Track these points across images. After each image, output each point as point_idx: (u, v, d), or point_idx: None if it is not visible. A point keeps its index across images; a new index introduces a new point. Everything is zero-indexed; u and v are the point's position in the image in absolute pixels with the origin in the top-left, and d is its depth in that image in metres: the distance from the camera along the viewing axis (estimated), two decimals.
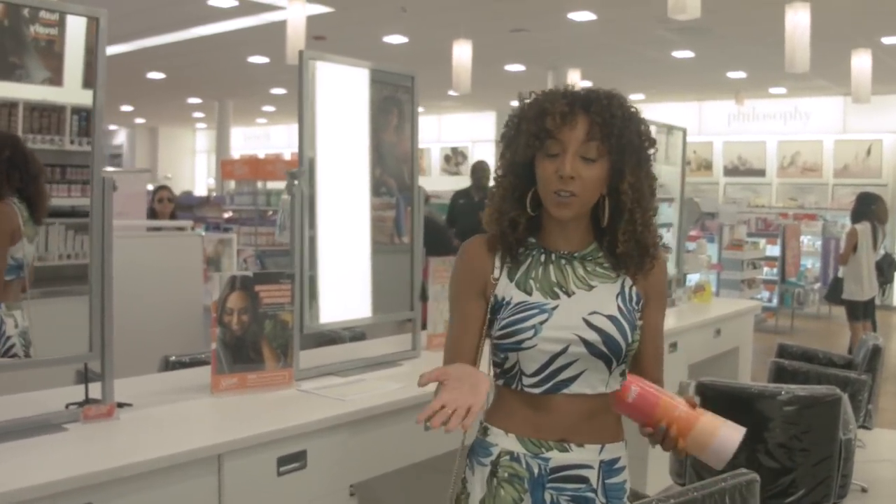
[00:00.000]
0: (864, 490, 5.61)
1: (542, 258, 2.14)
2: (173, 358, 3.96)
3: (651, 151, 2.12)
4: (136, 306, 5.30)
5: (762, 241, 13.09)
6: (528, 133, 2.05)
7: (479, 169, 9.45)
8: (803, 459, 3.67)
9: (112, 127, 28.39)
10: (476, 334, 2.15)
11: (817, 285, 14.13)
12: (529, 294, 2.10)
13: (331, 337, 4.53)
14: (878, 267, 9.51)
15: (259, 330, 3.16)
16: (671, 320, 5.53)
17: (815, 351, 5.73)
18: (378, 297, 3.90)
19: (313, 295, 3.67)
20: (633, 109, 2.10)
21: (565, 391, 2.06)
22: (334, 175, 3.68)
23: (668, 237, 6.58)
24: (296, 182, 3.29)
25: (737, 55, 12.93)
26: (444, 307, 3.88)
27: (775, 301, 13.21)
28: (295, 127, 3.55)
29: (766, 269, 13.10)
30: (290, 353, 3.24)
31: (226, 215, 12.56)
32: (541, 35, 11.31)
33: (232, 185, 12.31)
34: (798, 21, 7.90)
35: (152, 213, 9.47)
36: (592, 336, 2.05)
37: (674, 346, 5.14)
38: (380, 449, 3.09)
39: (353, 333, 4.60)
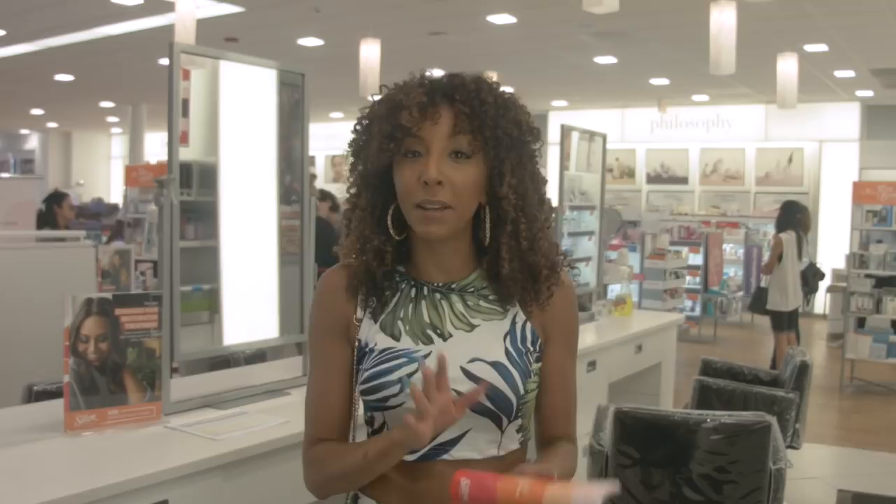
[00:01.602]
0: None
1: (413, 293, 1.74)
2: (38, 387, 3.54)
3: (536, 146, 1.72)
4: (17, 326, 4.89)
5: (685, 250, 12.96)
6: (381, 134, 1.65)
7: None
8: (731, 491, 3.38)
9: (23, 131, 27.50)
10: (344, 387, 1.75)
11: (740, 294, 14.07)
12: (397, 339, 1.70)
13: (225, 358, 4.17)
14: (803, 276, 9.40)
15: (121, 359, 2.77)
16: (590, 336, 5.26)
17: (740, 367, 5.49)
18: (287, 312, 3.63)
19: (216, 310, 3.38)
20: (507, 95, 1.70)
21: (446, 457, 1.67)
22: (239, 182, 3.42)
23: (590, 246, 6.34)
24: (164, 191, 2.90)
25: (660, 61, 12.80)
26: None
27: (698, 310, 13.08)
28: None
29: (688, 277, 12.97)
30: (158, 384, 2.86)
31: None
32: (459, 38, 11.03)
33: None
34: (724, 21, 7.68)
35: (52, 220, 9.01)
36: None
37: (592, 364, 4.87)
38: (257, 495, 2.72)
39: (252, 353, 4.25)
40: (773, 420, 3.45)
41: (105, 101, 19.75)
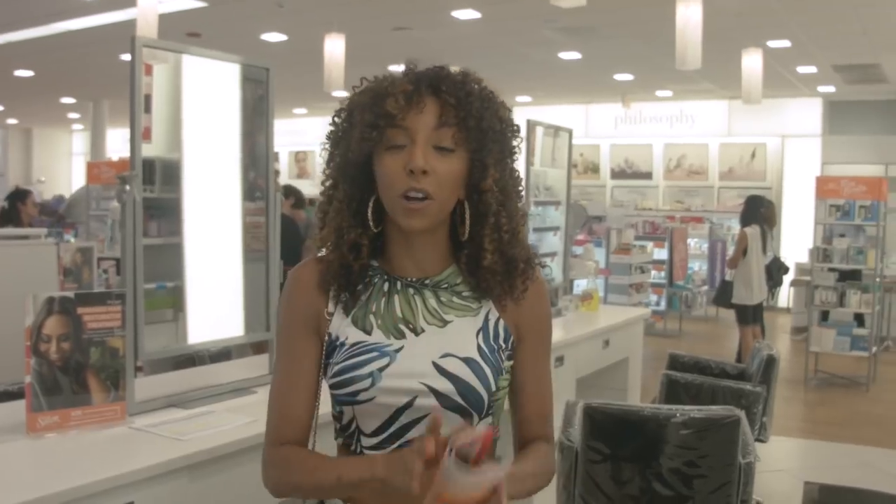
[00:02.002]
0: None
1: (386, 287, 1.72)
2: None
3: (516, 143, 1.72)
4: None
5: (650, 245, 13.00)
6: (364, 123, 1.62)
7: None
8: (701, 486, 3.38)
9: None
10: (311, 383, 1.72)
11: (704, 288, 14.14)
12: (368, 333, 1.67)
13: (190, 356, 4.12)
14: (768, 270, 9.45)
15: (83, 359, 2.72)
16: (557, 332, 5.25)
17: (707, 361, 5.49)
18: (252, 310, 3.58)
19: (180, 308, 3.34)
20: (491, 90, 1.69)
21: None
22: (202, 178, 3.38)
23: (556, 241, 6.34)
24: (127, 187, 2.85)
25: (624, 57, 12.83)
26: None
27: (663, 304, 13.13)
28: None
29: (653, 272, 13.01)
30: (122, 384, 2.81)
31: None
32: (424, 34, 10.98)
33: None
34: (690, 16, 7.71)
35: (15, 217, 8.97)
36: (444, 385, 1.62)
37: (560, 360, 4.86)
38: (225, 495, 2.68)
39: (217, 351, 4.20)
40: (742, 414, 3.45)
41: (66, 97, 19.53)
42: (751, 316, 9.24)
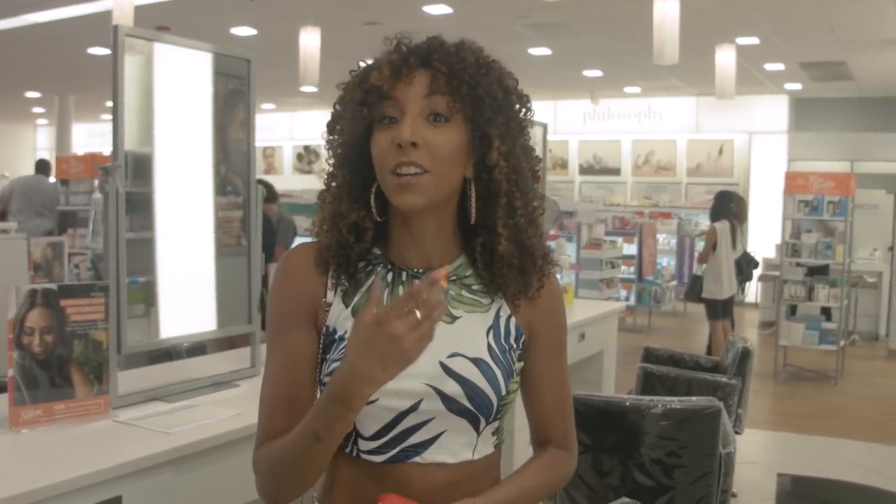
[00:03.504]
0: (734, 495, 5.44)
1: (390, 277, 1.58)
2: None
3: (525, 115, 1.58)
4: None
5: (619, 240, 13.05)
6: (354, 101, 1.51)
7: None
8: (681, 476, 3.40)
9: None
10: (307, 381, 1.57)
11: (673, 283, 14.23)
12: None
13: (166, 351, 4.08)
14: (737, 265, 9.51)
15: (67, 352, 2.69)
16: None
17: (681, 354, 5.55)
18: (224, 304, 3.54)
19: (151, 303, 3.30)
20: (491, 58, 1.55)
21: (417, 459, 1.53)
22: (174, 172, 3.35)
23: None
24: (109, 179, 2.82)
25: (593, 53, 12.87)
26: None
27: (633, 299, 13.20)
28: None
29: (623, 267, 13.07)
30: (105, 377, 2.78)
31: None
32: (395, 28, 10.84)
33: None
34: (667, 11, 7.76)
35: None
36: (452, 388, 1.51)
37: None
38: (212, 488, 2.67)
39: (191, 346, 4.17)
40: (722, 405, 3.47)
41: (30, 91, 19.29)
42: (721, 310, 9.29)
